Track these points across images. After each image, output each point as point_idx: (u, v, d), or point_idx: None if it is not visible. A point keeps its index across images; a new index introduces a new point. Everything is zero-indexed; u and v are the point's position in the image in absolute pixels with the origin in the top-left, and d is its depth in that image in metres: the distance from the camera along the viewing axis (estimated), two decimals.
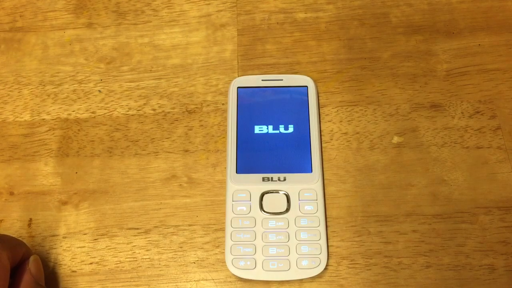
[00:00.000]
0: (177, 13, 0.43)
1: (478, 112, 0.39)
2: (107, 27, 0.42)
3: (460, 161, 0.37)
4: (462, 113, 0.39)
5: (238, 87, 0.39)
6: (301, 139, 0.37)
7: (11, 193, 0.38)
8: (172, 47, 0.42)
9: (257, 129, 0.37)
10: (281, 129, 0.37)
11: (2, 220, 0.37)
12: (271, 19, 0.42)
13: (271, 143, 0.37)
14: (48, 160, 0.38)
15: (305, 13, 0.42)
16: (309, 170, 0.36)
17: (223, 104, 0.39)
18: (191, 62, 0.41)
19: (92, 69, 0.41)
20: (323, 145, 0.38)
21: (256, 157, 0.37)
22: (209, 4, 0.43)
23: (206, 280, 0.35)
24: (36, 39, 0.42)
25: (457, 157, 0.37)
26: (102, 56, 0.41)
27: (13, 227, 0.37)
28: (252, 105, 0.38)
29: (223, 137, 0.38)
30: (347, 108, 0.39)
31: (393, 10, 0.42)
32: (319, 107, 0.39)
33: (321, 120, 0.39)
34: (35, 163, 0.38)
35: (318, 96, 0.39)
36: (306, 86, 0.39)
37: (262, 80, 0.39)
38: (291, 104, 0.38)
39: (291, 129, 0.37)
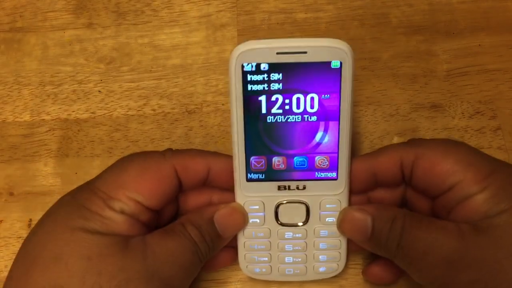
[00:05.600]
0: (177, 13, 0.43)
1: (478, 112, 0.39)
2: (107, 28, 0.42)
3: None
4: (462, 113, 0.38)
5: (243, 64, 0.28)
6: (327, 137, 0.29)
7: (11, 194, 0.38)
8: (172, 47, 0.42)
9: (271, 125, 0.29)
10: (302, 124, 0.29)
11: (2, 220, 0.37)
12: (271, 19, 0.42)
13: (288, 142, 0.29)
14: (48, 161, 0.38)
15: (305, 13, 0.42)
16: (335, 175, 0.30)
17: (223, 104, 0.39)
18: (191, 62, 0.41)
19: (92, 69, 0.41)
20: None
21: (270, 160, 0.29)
22: (209, 4, 0.43)
23: (206, 280, 0.34)
24: (36, 39, 0.42)
25: None
26: (102, 57, 0.41)
27: (13, 227, 0.37)
28: (263, 91, 0.28)
29: (223, 138, 0.38)
30: None
31: (393, 10, 0.42)
32: (353, 91, 0.28)
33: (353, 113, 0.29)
34: (35, 164, 0.38)
35: (354, 74, 0.28)
36: (340, 61, 0.27)
37: (278, 53, 0.27)
38: (317, 87, 0.28)
39: (314, 124, 0.29)
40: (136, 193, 0.28)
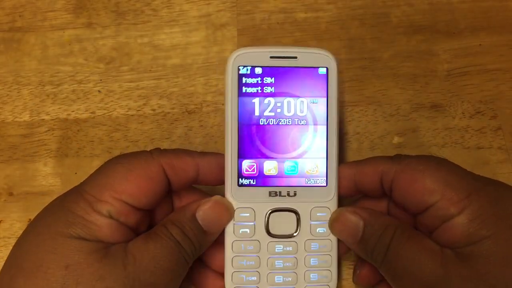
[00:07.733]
0: (177, 13, 0.43)
1: (478, 112, 0.38)
2: (106, 27, 0.42)
3: (461, 161, 0.36)
4: (463, 113, 0.38)
5: (239, 67, 0.30)
6: (316, 141, 0.31)
7: (11, 194, 0.37)
8: (172, 47, 0.41)
9: (263, 127, 0.30)
10: (292, 127, 0.31)
11: (2, 220, 0.37)
12: (271, 19, 0.42)
13: (279, 146, 0.30)
14: (48, 161, 0.38)
15: (305, 13, 0.42)
16: (324, 182, 0.31)
17: (223, 104, 0.39)
18: (191, 62, 0.41)
19: (92, 69, 0.41)
20: None
21: (262, 164, 0.30)
22: (209, 4, 0.43)
23: None
24: (36, 39, 0.42)
25: (457, 157, 0.37)
26: (101, 56, 0.41)
27: (13, 227, 0.37)
28: (257, 94, 0.30)
29: (223, 138, 0.38)
30: (347, 109, 0.39)
31: (393, 10, 0.42)
32: (339, 96, 0.31)
33: (343, 117, 0.33)
34: (35, 164, 0.38)
35: (339, 81, 0.31)
36: (326, 67, 0.30)
37: (271, 57, 0.30)
38: (306, 92, 0.30)
39: (304, 128, 0.31)
40: (123, 193, 0.27)
